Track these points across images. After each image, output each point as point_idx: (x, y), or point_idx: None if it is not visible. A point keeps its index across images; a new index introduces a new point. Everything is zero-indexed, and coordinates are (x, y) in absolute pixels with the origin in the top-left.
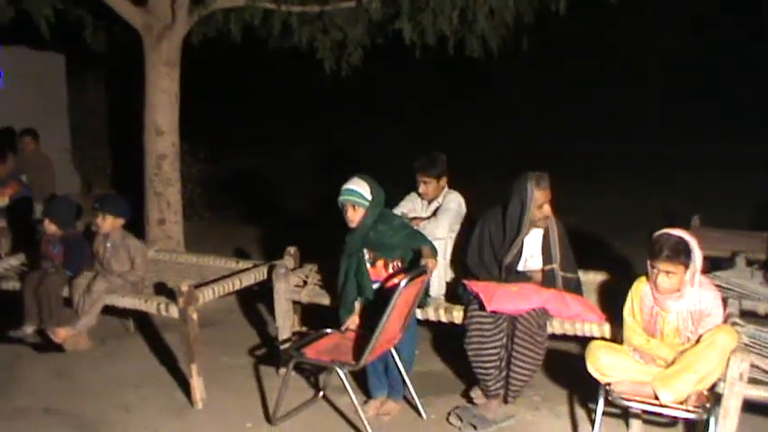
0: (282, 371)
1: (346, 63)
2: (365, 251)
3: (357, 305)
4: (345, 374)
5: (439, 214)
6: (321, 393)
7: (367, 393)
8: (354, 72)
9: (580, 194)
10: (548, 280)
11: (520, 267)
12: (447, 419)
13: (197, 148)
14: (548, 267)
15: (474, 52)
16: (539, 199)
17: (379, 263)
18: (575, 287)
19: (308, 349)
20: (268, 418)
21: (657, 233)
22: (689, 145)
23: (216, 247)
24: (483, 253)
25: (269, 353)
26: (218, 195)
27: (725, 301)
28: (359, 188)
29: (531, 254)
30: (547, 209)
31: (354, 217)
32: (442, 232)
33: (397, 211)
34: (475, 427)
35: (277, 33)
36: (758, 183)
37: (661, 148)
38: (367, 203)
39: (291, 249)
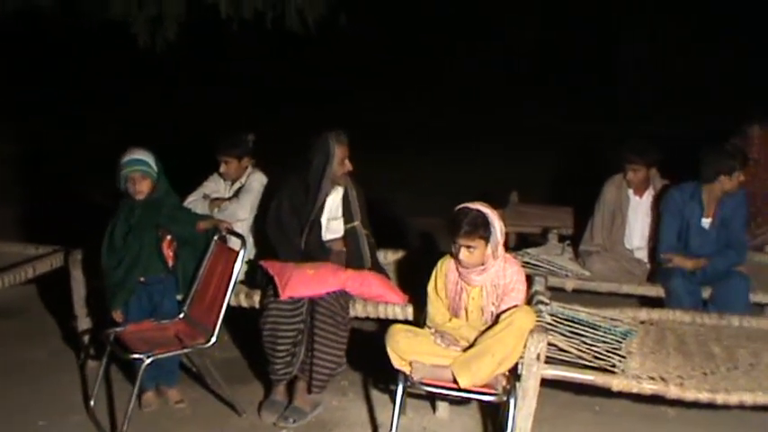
0: (94, 363)
1: (162, 38)
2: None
3: None
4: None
5: (241, 195)
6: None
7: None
8: (170, 48)
9: (403, 167)
10: (351, 240)
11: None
12: (258, 413)
13: (8, 127)
14: (349, 226)
15: (293, 27)
16: (339, 154)
17: (166, 240)
18: (373, 248)
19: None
20: (62, 414)
21: (456, 208)
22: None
23: (27, 231)
24: (282, 222)
25: (68, 345)
26: (37, 177)
27: (530, 278)
28: (144, 157)
29: (334, 215)
30: (348, 164)
31: (143, 187)
32: (244, 213)
33: (200, 192)
34: (295, 421)
35: (92, 7)
36: (589, 157)
37: (513, 120)
38: (154, 173)
39: None
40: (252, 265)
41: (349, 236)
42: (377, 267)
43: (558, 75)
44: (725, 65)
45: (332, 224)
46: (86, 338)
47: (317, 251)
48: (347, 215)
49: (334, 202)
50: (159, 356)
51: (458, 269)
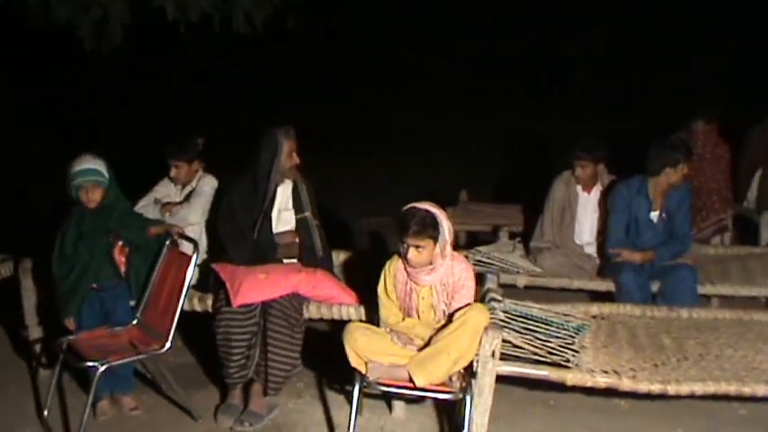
0: (46, 372)
1: (108, 42)
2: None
3: None
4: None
5: (192, 198)
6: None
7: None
8: (116, 51)
9: (361, 169)
10: (303, 230)
11: (273, 227)
12: (214, 417)
13: None
14: (300, 216)
15: (240, 29)
16: (287, 148)
17: (118, 246)
18: (324, 240)
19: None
20: (15, 426)
21: (404, 208)
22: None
23: None
24: (235, 216)
25: (19, 355)
26: None
27: (482, 276)
28: (96, 166)
29: (285, 206)
30: (296, 157)
31: (96, 196)
32: (195, 217)
33: (151, 196)
34: (251, 424)
35: (33, 10)
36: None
37: (458, 120)
38: (106, 181)
39: None
40: (203, 269)
41: (300, 226)
42: (328, 258)
43: (545, 74)
44: (712, 63)
45: (283, 215)
46: (38, 347)
47: (267, 245)
48: (297, 206)
49: (284, 194)
50: (113, 364)
51: (406, 269)
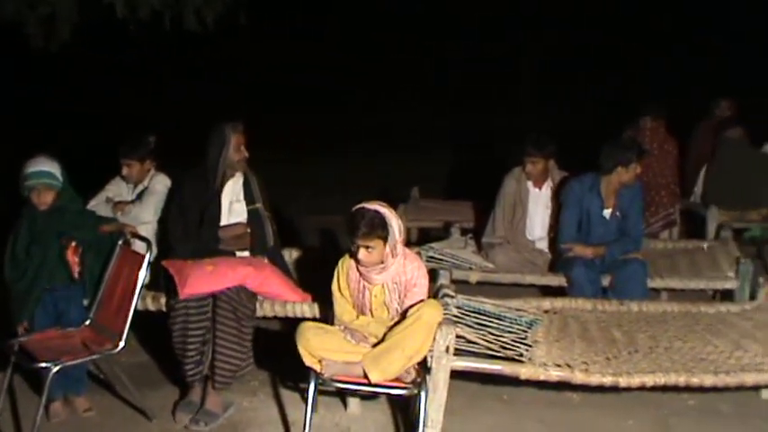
0: None
1: (56, 40)
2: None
3: None
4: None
5: (144, 197)
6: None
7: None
8: (63, 48)
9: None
10: (255, 221)
11: (224, 220)
12: (173, 415)
13: None
14: (251, 207)
15: (191, 26)
16: (234, 141)
17: (71, 248)
18: (275, 232)
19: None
20: None
21: (353, 208)
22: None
23: None
24: (186, 215)
25: None
26: None
27: (435, 272)
28: (50, 168)
29: (236, 197)
30: (244, 151)
31: (47, 199)
32: (148, 216)
33: (102, 195)
34: (206, 424)
35: None
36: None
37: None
38: (59, 184)
39: None
40: (154, 267)
41: (252, 217)
42: (278, 249)
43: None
44: (701, 65)
45: (235, 207)
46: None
47: (210, 236)
48: (249, 198)
49: (235, 186)
50: (66, 364)
51: (358, 268)
